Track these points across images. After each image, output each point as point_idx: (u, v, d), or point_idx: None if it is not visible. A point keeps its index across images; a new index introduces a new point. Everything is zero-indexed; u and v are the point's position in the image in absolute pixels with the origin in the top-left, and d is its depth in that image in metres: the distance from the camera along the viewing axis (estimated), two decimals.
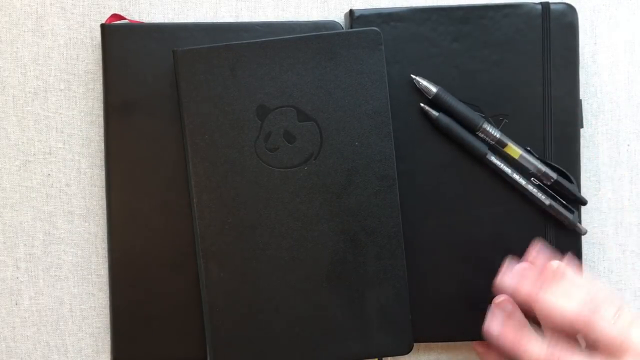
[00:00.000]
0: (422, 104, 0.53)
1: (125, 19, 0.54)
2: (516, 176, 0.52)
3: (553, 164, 0.53)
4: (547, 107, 0.53)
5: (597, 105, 0.57)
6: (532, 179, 0.53)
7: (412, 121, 0.53)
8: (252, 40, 0.50)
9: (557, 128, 0.53)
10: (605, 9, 0.57)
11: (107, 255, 0.53)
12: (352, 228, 0.51)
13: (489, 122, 0.53)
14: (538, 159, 0.53)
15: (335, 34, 0.51)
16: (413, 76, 0.53)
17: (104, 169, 0.53)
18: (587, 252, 0.56)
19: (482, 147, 0.52)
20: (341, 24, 0.54)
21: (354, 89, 0.50)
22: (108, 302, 0.54)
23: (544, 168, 0.53)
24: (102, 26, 0.52)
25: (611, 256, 0.57)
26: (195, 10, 0.55)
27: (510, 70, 0.53)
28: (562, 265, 0.49)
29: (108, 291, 0.53)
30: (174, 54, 0.50)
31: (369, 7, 0.56)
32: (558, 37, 0.53)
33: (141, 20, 0.55)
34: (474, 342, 0.56)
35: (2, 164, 0.55)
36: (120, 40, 0.52)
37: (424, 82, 0.52)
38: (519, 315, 0.51)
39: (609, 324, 0.44)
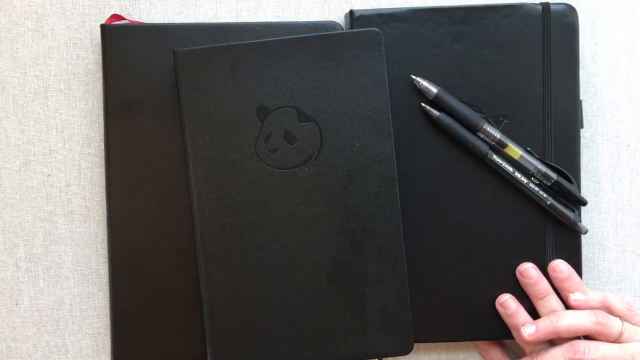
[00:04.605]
0: (422, 104, 0.53)
1: (125, 19, 0.54)
2: (518, 175, 0.52)
3: (553, 164, 0.53)
4: (547, 107, 0.53)
5: (597, 105, 0.57)
6: (532, 179, 0.53)
7: (412, 121, 0.53)
8: (252, 41, 0.50)
9: (557, 128, 0.53)
10: (606, 9, 0.57)
11: (107, 255, 0.53)
12: (352, 228, 0.51)
13: (490, 123, 0.53)
14: (538, 159, 0.53)
15: (335, 35, 0.51)
16: (413, 77, 0.53)
17: (104, 169, 0.53)
18: (587, 253, 0.56)
19: (483, 147, 0.52)
20: (341, 24, 0.54)
21: (354, 90, 0.50)
22: (108, 302, 0.54)
23: (544, 168, 0.53)
24: (102, 26, 0.52)
25: (611, 256, 0.57)
26: (195, 10, 0.55)
27: (510, 70, 0.53)
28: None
29: (108, 291, 0.53)
30: (174, 54, 0.50)
31: (369, 7, 0.56)
32: (558, 37, 0.53)
33: (141, 21, 0.55)
34: (476, 342, 0.56)
35: (2, 164, 0.55)
36: (120, 41, 0.52)
37: (424, 83, 0.52)
38: (523, 312, 0.52)
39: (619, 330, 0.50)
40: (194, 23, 0.53)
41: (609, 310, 0.51)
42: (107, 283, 0.54)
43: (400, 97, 0.53)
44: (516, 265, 0.53)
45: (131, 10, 0.55)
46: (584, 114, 0.55)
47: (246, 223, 0.50)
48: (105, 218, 0.53)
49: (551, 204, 0.53)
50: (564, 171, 0.53)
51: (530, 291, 0.53)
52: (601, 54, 0.57)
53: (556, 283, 0.53)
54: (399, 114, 0.53)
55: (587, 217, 0.56)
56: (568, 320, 0.50)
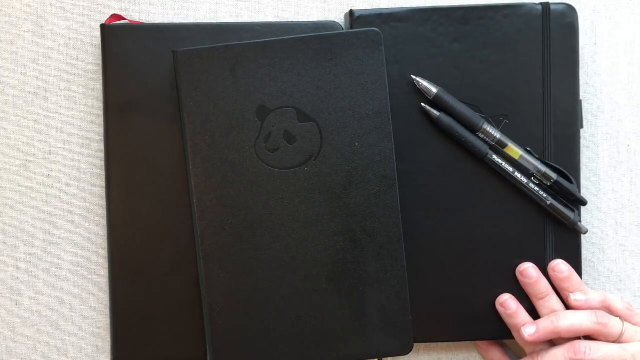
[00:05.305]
0: (422, 104, 0.53)
1: (125, 19, 0.54)
2: (518, 175, 0.52)
3: (553, 164, 0.53)
4: (547, 107, 0.53)
5: (597, 105, 0.57)
6: (532, 179, 0.53)
7: (412, 121, 0.53)
8: (252, 41, 0.50)
9: (557, 128, 0.53)
10: (605, 9, 0.57)
11: (107, 255, 0.53)
12: (352, 228, 0.51)
13: (489, 123, 0.53)
14: (538, 159, 0.53)
15: (335, 35, 0.51)
16: (413, 77, 0.53)
17: (104, 169, 0.53)
18: (587, 253, 0.56)
19: (483, 147, 0.52)
20: (341, 24, 0.54)
21: (354, 90, 0.50)
22: (108, 302, 0.54)
23: (544, 168, 0.53)
24: (102, 26, 0.52)
25: (611, 256, 0.57)
26: (195, 10, 0.55)
27: (510, 70, 0.53)
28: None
29: (108, 291, 0.53)
30: (174, 54, 0.50)
31: (369, 7, 0.56)
32: (558, 37, 0.53)
33: (141, 21, 0.55)
34: (476, 342, 0.56)
35: (2, 164, 0.55)
36: (120, 40, 0.52)
37: (424, 83, 0.52)
38: (523, 312, 0.52)
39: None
40: (194, 23, 0.53)
41: (609, 310, 0.51)
42: (107, 283, 0.54)
43: (400, 97, 0.53)
44: (516, 265, 0.53)
45: (131, 10, 0.55)
46: (584, 114, 0.55)
47: (246, 223, 0.50)
48: (105, 218, 0.53)
49: (551, 204, 0.53)
50: (564, 171, 0.53)
51: (530, 291, 0.53)
52: (601, 54, 0.57)
53: (556, 283, 0.53)
54: (399, 114, 0.53)
55: (587, 217, 0.56)
56: (568, 321, 0.50)
